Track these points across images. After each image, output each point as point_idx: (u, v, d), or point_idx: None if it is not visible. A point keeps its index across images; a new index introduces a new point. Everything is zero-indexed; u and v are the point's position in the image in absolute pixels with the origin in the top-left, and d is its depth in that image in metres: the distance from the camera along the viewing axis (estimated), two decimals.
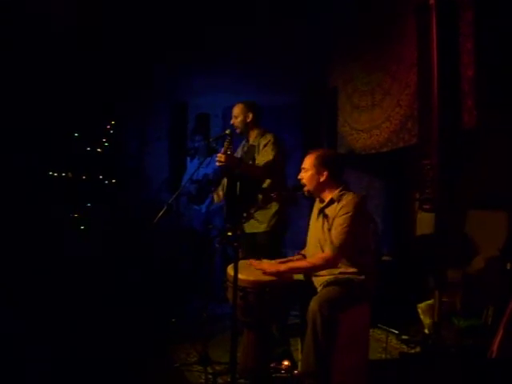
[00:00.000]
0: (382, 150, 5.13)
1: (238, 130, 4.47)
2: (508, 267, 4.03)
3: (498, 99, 3.81)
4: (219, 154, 4.20)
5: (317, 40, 6.17)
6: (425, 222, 5.08)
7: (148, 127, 7.09)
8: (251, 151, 4.42)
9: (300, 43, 6.04)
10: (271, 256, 3.81)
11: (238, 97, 4.99)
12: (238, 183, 4.26)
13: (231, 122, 4.48)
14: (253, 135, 4.46)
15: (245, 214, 3.64)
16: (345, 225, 3.33)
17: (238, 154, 4.57)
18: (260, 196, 4.28)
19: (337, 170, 3.57)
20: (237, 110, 4.46)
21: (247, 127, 4.45)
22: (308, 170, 3.56)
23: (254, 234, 4.30)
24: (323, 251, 3.46)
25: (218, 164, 4.24)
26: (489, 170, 4.24)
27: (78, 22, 5.48)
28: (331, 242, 3.34)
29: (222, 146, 4.27)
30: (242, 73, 6.57)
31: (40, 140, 5.87)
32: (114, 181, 6.33)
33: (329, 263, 3.36)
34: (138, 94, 6.72)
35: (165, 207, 4.08)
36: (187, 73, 6.58)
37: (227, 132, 4.39)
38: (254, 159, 4.36)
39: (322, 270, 3.42)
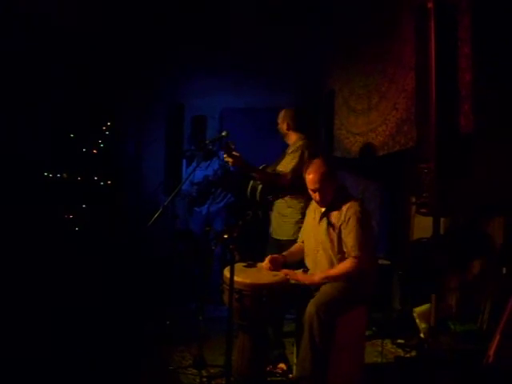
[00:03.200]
0: (377, 154, 5.12)
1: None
2: (504, 272, 4.03)
3: (495, 104, 3.82)
4: (225, 157, 4.21)
5: (315, 43, 6.18)
6: (422, 226, 5.07)
7: (144, 128, 7.07)
8: (281, 158, 4.45)
9: (298, 46, 6.05)
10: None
11: (236, 98, 5.00)
12: (260, 187, 4.26)
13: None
14: (292, 140, 4.47)
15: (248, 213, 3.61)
16: (357, 226, 3.37)
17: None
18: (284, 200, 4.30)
19: (336, 175, 3.58)
20: (278, 117, 4.53)
21: (285, 134, 4.49)
22: (321, 189, 3.51)
23: (279, 241, 4.31)
24: (326, 254, 3.49)
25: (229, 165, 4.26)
26: (486, 175, 4.24)
27: (76, 23, 5.47)
28: (352, 246, 3.37)
29: (219, 148, 4.26)
30: (240, 75, 6.56)
31: (36, 141, 5.85)
32: (109, 182, 6.31)
33: (358, 266, 3.36)
34: (134, 95, 6.70)
35: (160, 209, 4.07)
36: (184, 74, 6.57)
37: (224, 134, 4.37)
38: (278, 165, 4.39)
39: (354, 274, 3.39)
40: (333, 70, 6.27)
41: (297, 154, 4.24)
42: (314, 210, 3.71)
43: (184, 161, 6.09)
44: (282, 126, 4.49)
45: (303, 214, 4.09)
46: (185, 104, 5.71)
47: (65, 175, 6.05)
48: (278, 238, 4.34)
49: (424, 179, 3.65)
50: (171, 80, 6.64)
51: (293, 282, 3.62)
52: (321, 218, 3.58)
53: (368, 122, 5.34)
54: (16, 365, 3.80)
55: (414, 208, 4.88)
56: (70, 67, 5.84)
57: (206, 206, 6.06)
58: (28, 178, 5.72)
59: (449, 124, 3.62)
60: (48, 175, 5.98)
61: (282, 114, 4.52)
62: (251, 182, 4.41)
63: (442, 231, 4.36)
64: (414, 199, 3.98)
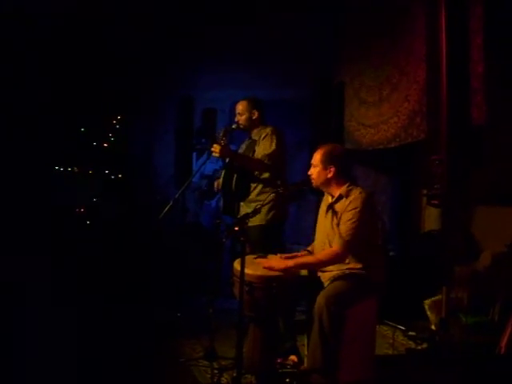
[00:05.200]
0: (389, 146, 5.11)
1: (241, 127, 4.42)
2: None
3: (508, 95, 3.79)
4: (214, 145, 4.17)
5: (325, 34, 6.16)
6: (433, 218, 5.07)
7: (155, 122, 7.09)
8: (252, 145, 4.38)
9: (307, 39, 6.03)
10: (265, 252, 3.77)
11: (246, 91, 4.98)
12: (235, 176, 4.24)
13: (236, 119, 4.43)
14: (255, 131, 4.41)
15: (257, 207, 3.62)
16: (353, 219, 3.32)
17: (242, 149, 4.54)
18: (255, 186, 4.27)
19: (344, 167, 3.54)
20: (242, 108, 4.39)
21: (252, 124, 4.39)
22: (316, 166, 3.55)
23: (250, 228, 4.06)
24: (331, 246, 3.45)
25: (213, 155, 4.22)
26: (497, 166, 4.22)
27: (85, 18, 5.49)
28: (340, 237, 3.33)
29: (229, 141, 4.25)
30: (250, 68, 6.56)
31: (47, 135, 5.88)
32: (120, 175, 6.34)
33: (337, 258, 3.34)
34: (144, 89, 6.71)
35: (171, 202, 4.07)
36: (195, 67, 6.57)
37: (234, 127, 4.38)
38: (253, 152, 4.30)
39: (330, 265, 3.41)
40: (342, 62, 6.24)
41: (274, 138, 4.19)
42: (324, 203, 3.71)
43: (194, 154, 6.10)
44: (251, 116, 4.36)
45: (274, 206, 4.13)
46: (195, 97, 5.71)
47: (76, 169, 6.08)
48: (250, 224, 4.04)
49: (435, 171, 3.65)
50: (181, 73, 6.64)
51: (303, 272, 3.63)
52: (327, 211, 3.57)
53: (379, 114, 5.32)
54: (24, 357, 3.83)
55: (425, 200, 4.88)
56: (80, 60, 5.85)
57: (216, 199, 6.06)
58: (39, 172, 5.76)
59: (461, 116, 3.61)
60: (59, 169, 6.01)
61: (246, 104, 4.38)
62: (222, 174, 4.39)
63: (453, 223, 4.34)
64: (425, 191, 3.98)
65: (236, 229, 3.20)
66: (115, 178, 6.31)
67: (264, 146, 4.21)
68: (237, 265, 3.35)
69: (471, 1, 3.75)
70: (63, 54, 5.78)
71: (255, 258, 3.65)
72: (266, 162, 4.16)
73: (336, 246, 3.35)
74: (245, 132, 4.52)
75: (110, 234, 5.93)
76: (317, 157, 3.55)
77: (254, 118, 4.37)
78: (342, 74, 6.22)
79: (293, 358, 3.89)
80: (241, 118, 4.39)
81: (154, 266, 5.78)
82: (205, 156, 6.00)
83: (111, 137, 6.35)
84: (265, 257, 3.68)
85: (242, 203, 4.35)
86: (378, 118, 5.32)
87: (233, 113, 4.62)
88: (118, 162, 6.37)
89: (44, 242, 5.50)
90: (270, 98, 6.40)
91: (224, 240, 4.11)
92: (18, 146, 5.54)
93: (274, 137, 4.20)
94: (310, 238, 4.00)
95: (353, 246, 3.31)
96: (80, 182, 6.07)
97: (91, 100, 6.12)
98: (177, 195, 4.21)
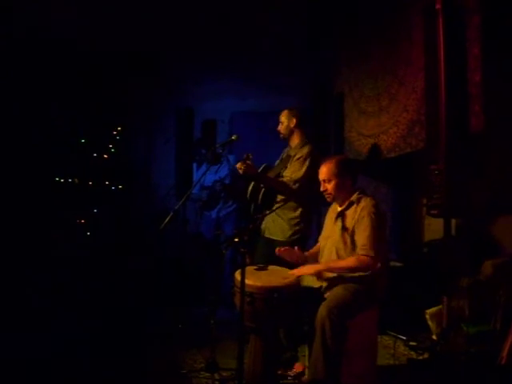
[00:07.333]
0: (389, 156, 5.11)
1: (281, 136, 4.54)
2: None
3: (506, 103, 3.80)
4: (238, 164, 4.27)
5: (323, 46, 6.18)
6: (433, 228, 5.05)
7: (154, 133, 7.11)
8: (285, 161, 4.47)
9: (306, 49, 6.05)
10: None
11: (245, 102, 5.02)
12: (263, 190, 4.29)
13: (277, 128, 4.55)
14: (295, 142, 4.50)
15: (257, 216, 3.63)
16: (370, 225, 3.34)
17: (279, 160, 4.62)
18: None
19: (356, 174, 3.59)
20: (282, 117, 4.53)
21: (291, 132, 4.49)
22: (331, 180, 3.54)
23: (273, 241, 4.29)
24: (338, 254, 3.46)
25: (239, 172, 4.30)
26: (498, 174, 4.22)
27: (82, 28, 5.51)
28: (363, 245, 3.33)
29: (229, 151, 4.28)
30: (249, 78, 6.58)
31: (47, 146, 5.89)
32: (120, 186, 6.35)
33: (366, 265, 3.32)
34: (144, 100, 6.73)
35: (171, 213, 4.08)
36: (194, 78, 6.59)
37: (233, 138, 4.40)
38: (284, 169, 4.39)
39: (361, 271, 3.37)
40: (341, 72, 6.25)
41: (306, 163, 4.26)
42: (332, 210, 3.71)
43: (195, 165, 6.12)
44: (290, 124, 4.47)
45: (299, 222, 4.25)
46: (194, 108, 5.74)
47: (76, 180, 6.09)
48: (272, 237, 4.33)
49: (435, 180, 3.65)
50: (181, 84, 6.67)
51: (304, 283, 3.62)
52: (336, 218, 3.57)
53: (379, 124, 5.33)
54: (24, 366, 3.82)
55: (425, 209, 4.87)
56: (81, 74, 5.88)
57: (216, 209, 6.07)
58: (39, 184, 5.76)
59: (459, 124, 3.62)
60: (59, 180, 6.03)
61: (286, 113, 4.52)
62: (252, 183, 4.44)
63: (453, 232, 4.34)
64: (425, 201, 3.97)
65: (236, 240, 3.20)
66: (115, 189, 6.32)
67: (294, 168, 4.30)
68: (238, 275, 3.34)
69: (468, 11, 3.77)
70: (64, 65, 5.80)
71: (256, 269, 3.66)
72: (291, 185, 4.22)
73: (363, 254, 3.32)
74: (285, 141, 4.60)
75: (111, 245, 5.93)
76: (329, 171, 3.53)
77: (292, 125, 4.47)
78: (340, 85, 6.23)
79: (297, 366, 3.88)
80: (281, 127, 4.52)
81: (154, 276, 5.78)
82: (204, 167, 6.02)
83: (111, 148, 6.37)
84: (265, 268, 3.68)
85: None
86: (378, 128, 5.33)
87: (232, 123, 4.66)
88: (118, 173, 6.38)
89: (44, 252, 5.50)
90: (270, 109, 6.43)
91: (224, 251, 4.12)
92: (18, 158, 5.56)
93: (307, 162, 4.26)
94: (310, 246, 4.02)
95: (377, 249, 3.31)
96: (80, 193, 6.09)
97: (91, 111, 6.14)
98: (177, 206, 4.22)
